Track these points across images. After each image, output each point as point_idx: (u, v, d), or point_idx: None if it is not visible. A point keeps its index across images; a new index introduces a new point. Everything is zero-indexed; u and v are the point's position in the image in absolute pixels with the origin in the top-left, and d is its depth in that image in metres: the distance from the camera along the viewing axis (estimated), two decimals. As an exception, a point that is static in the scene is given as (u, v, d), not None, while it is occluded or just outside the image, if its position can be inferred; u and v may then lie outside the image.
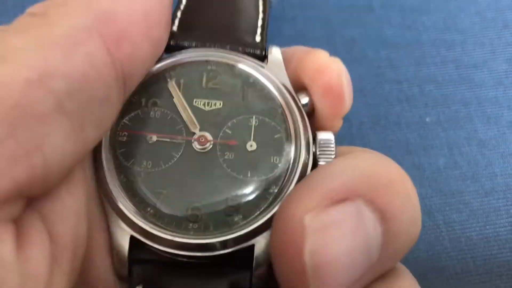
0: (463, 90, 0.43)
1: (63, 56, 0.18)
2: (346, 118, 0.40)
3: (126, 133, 0.23)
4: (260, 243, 0.22)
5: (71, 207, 0.20)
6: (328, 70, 0.25)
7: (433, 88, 0.43)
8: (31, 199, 0.19)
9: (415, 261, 0.36)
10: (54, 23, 0.19)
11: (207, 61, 0.25)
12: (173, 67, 0.25)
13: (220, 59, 0.25)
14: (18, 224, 0.18)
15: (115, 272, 0.23)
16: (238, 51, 0.26)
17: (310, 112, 0.25)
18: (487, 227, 0.38)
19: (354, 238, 0.19)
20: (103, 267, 0.23)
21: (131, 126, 0.24)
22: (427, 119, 0.41)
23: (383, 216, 0.20)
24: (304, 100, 0.25)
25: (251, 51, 0.26)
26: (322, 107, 0.25)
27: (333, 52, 0.43)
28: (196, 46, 0.26)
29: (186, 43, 0.26)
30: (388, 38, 0.45)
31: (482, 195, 0.39)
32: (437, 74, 0.44)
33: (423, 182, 0.39)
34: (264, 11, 0.29)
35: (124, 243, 0.22)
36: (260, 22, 0.28)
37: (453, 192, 0.39)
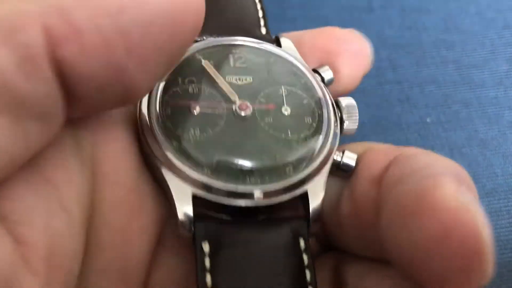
0: (464, 90, 0.43)
1: None
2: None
3: (170, 107, 0.24)
4: (313, 190, 0.24)
5: (37, 208, 0.19)
6: (352, 35, 0.28)
7: (433, 88, 0.43)
8: None
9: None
10: None
11: (231, 45, 0.27)
12: (201, 51, 0.26)
13: (242, 43, 0.27)
14: None
15: (178, 234, 0.23)
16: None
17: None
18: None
19: None
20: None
21: (173, 101, 0.25)
22: (428, 120, 0.41)
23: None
24: (327, 74, 0.28)
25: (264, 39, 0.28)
26: (348, 71, 0.28)
27: (333, 53, 0.43)
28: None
29: (197, 37, 0.27)
30: (388, 38, 0.45)
31: (483, 196, 0.39)
32: (438, 75, 0.43)
33: (424, 182, 0.39)
34: (260, 1, 0.31)
35: (187, 201, 0.23)
36: (260, 14, 0.30)
37: (454, 193, 0.39)
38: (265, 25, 0.30)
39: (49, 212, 0.20)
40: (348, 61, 0.28)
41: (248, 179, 0.23)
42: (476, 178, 0.39)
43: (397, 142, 0.40)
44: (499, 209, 0.38)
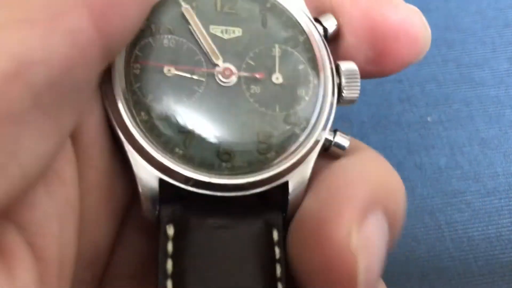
0: (465, 89, 0.43)
1: (44, 36, 0.15)
2: (347, 118, 0.40)
3: (139, 65, 0.21)
4: (293, 179, 0.21)
5: (52, 213, 0.18)
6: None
7: (434, 87, 0.43)
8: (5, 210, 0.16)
9: (417, 262, 0.36)
10: None
11: None
12: None
13: None
14: None
15: (143, 215, 0.21)
16: None
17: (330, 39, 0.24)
18: (489, 227, 0.37)
19: (383, 244, 0.20)
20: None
21: (144, 57, 0.21)
22: (428, 119, 0.41)
23: (392, 222, 0.20)
24: (330, 22, 0.23)
25: None
26: (360, 25, 0.23)
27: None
28: None
29: None
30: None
31: (484, 195, 0.39)
32: (438, 73, 0.43)
33: (425, 182, 0.39)
34: None
35: (153, 186, 0.20)
36: None
37: (455, 192, 0.39)
38: None
39: (61, 217, 0.18)
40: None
41: (223, 165, 0.21)
42: (477, 177, 0.39)
43: (398, 141, 0.40)
44: (501, 208, 0.38)
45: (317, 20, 0.24)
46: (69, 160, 0.19)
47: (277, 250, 0.20)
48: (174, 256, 0.19)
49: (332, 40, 0.24)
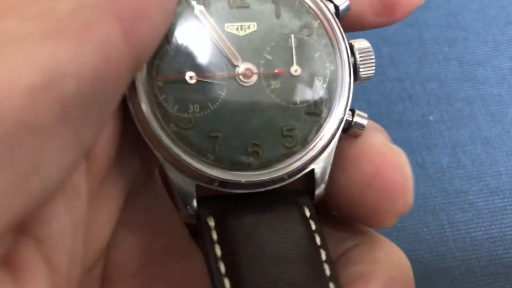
0: (467, 88, 0.43)
1: (74, 48, 0.15)
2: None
3: (161, 76, 0.21)
4: (318, 165, 0.23)
5: (68, 227, 0.18)
6: None
7: (436, 86, 0.42)
8: (24, 224, 0.16)
9: (419, 262, 0.35)
10: None
11: None
12: None
13: None
14: (12, 258, 0.16)
15: (181, 216, 0.22)
16: None
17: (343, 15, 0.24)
18: (493, 227, 0.37)
19: None
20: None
21: (164, 67, 0.21)
22: (430, 118, 0.41)
23: None
24: (340, 0, 0.24)
25: None
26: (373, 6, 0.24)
27: (334, 50, 0.43)
28: None
29: None
30: (390, 35, 0.44)
31: (487, 195, 0.38)
32: (440, 72, 0.43)
33: (427, 181, 0.39)
34: None
35: (190, 193, 0.21)
36: None
37: (458, 192, 0.38)
38: None
39: (75, 231, 0.18)
40: None
41: (253, 164, 0.22)
42: (480, 177, 0.39)
43: (399, 140, 0.40)
44: (504, 207, 0.38)
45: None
46: (84, 173, 0.19)
47: (311, 223, 0.22)
48: (220, 242, 0.21)
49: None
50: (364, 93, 0.41)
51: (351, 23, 0.24)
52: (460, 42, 0.45)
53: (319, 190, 0.23)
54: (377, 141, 0.24)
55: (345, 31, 0.25)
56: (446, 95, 0.42)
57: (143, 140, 0.21)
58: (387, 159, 0.23)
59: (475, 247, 0.36)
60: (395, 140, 0.39)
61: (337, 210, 0.25)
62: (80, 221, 0.19)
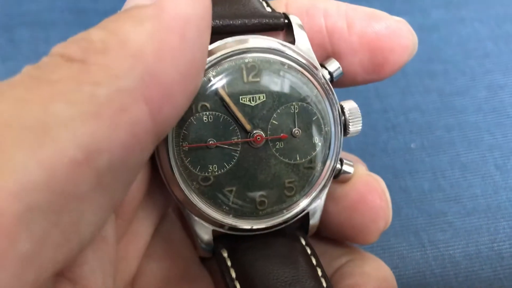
0: (446, 116, 0.46)
1: (109, 128, 0.17)
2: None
3: (187, 142, 0.25)
4: (312, 209, 0.28)
5: (97, 268, 0.21)
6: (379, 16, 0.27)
7: (417, 115, 0.46)
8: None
9: (401, 279, 0.39)
10: (97, 79, 0.17)
11: (242, 52, 0.26)
12: (213, 66, 0.25)
13: (255, 55, 0.26)
14: None
15: (199, 254, 0.28)
16: (261, 25, 0.27)
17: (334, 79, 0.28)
18: (469, 245, 0.40)
19: None
20: None
21: (189, 135, 0.25)
22: (412, 145, 0.44)
23: None
24: (333, 66, 0.28)
25: (271, 21, 0.27)
26: (363, 59, 0.27)
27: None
28: (219, 25, 0.26)
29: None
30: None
31: (464, 215, 0.42)
32: (421, 103, 0.47)
33: (410, 204, 0.42)
34: None
35: (208, 236, 0.27)
36: None
37: (438, 213, 0.42)
38: (268, 5, 0.28)
39: (104, 272, 0.21)
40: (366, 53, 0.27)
41: (260, 212, 0.27)
42: (458, 199, 0.42)
43: (384, 167, 0.43)
44: (480, 227, 0.41)
45: (322, 65, 0.28)
46: (112, 222, 0.23)
47: (307, 248, 0.28)
48: (233, 266, 0.26)
49: (335, 59, 0.28)
50: (351, 124, 0.45)
51: (344, 81, 0.29)
52: (440, 74, 0.49)
53: (313, 226, 0.28)
54: (359, 171, 0.29)
55: (339, 87, 0.29)
56: (427, 124, 0.46)
57: (168, 193, 0.26)
58: (369, 187, 0.28)
59: (453, 264, 0.39)
60: (380, 167, 0.43)
61: (328, 232, 0.30)
62: (108, 261, 0.22)
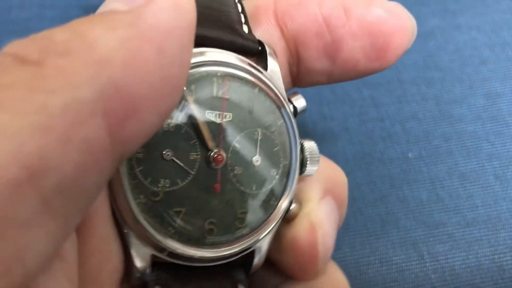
0: (444, 125, 0.45)
1: (60, 143, 0.15)
2: (333, 156, 0.42)
3: (142, 149, 0.22)
4: (258, 247, 0.26)
5: None
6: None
7: (414, 124, 0.45)
8: None
9: (400, 293, 0.38)
10: (51, 87, 0.15)
11: (217, 69, 0.24)
12: None
13: (229, 70, 0.25)
14: None
15: (131, 282, 0.24)
16: (235, 45, 0.25)
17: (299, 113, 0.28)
18: (470, 257, 0.39)
19: (335, 220, 0.28)
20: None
21: (147, 142, 0.21)
22: (409, 155, 0.44)
23: (340, 204, 0.28)
24: (300, 102, 0.27)
25: (246, 43, 0.26)
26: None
27: (317, 93, 0.46)
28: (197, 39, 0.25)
29: None
30: (370, 77, 0.47)
31: (464, 226, 0.41)
32: (418, 111, 0.46)
33: (408, 215, 0.41)
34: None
35: (145, 263, 0.23)
36: (239, 8, 0.27)
37: (437, 224, 0.41)
38: (246, 22, 0.27)
39: None
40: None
41: (207, 240, 0.24)
42: (457, 209, 0.41)
43: (381, 176, 0.42)
44: (480, 238, 0.40)
45: (289, 100, 0.27)
46: (71, 240, 0.20)
47: None
48: None
49: (336, 46, 0.27)
50: (347, 133, 0.44)
51: (344, 71, 0.27)
52: (437, 82, 0.48)
53: (256, 266, 0.26)
54: (304, 212, 0.27)
55: (342, 80, 0.28)
56: (424, 133, 0.45)
57: (112, 206, 0.23)
58: (306, 233, 0.26)
59: (454, 277, 0.38)
60: (377, 177, 0.42)
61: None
62: (68, 281, 0.20)
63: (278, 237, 0.27)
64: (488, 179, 0.43)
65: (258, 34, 0.27)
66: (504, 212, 0.41)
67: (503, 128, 0.45)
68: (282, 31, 0.27)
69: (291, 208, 0.27)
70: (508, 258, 0.39)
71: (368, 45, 0.26)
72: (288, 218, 0.27)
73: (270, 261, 0.28)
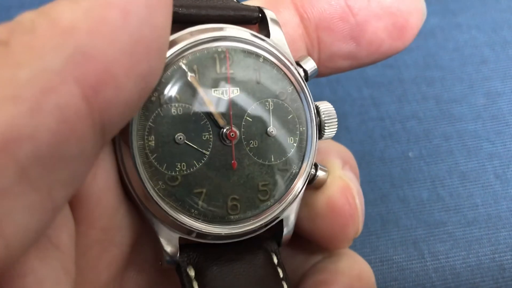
0: (444, 125, 0.45)
1: (30, 112, 0.15)
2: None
3: (153, 136, 0.23)
4: (286, 216, 0.26)
5: (46, 278, 0.19)
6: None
7: (415, 124, 0.45)
8: None
9: (401, 292, 0.38)
10: (18, 61, 0.15)
11: (217, 44, 0.24)
12: (184, 54, 0.23)
13: (229, 44, 0.24)
14: None
15: (163, 266, 0.24)
16: (235, 17, 0.25)
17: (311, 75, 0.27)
18: (470, 256, 0.39)
19: (358, 189, 0.28)
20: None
21: (156, 128, 0.23)
22: (410, 154, 0.44)
23: (356, 175, 0.29)
24: (309, 65, 0.26)
25: (246, 13, 0.26)
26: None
27: (319, 92, 0.46)
28: (194, 14, 0.24)
29: (184, 10, 0.24)
30: (370, 77, 0.47)
31: (464, 225, 0.41)
32: (419, 110, 0.46)
33: (408, 214, 0.41)
34: None
35: (174, 247, 0.24)
36: None
37: (437, 223, 0.41)
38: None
39: (56, 282, 0.19)
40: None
41: (232, 217, 0.24)
42: (458, 209, 0.41)
43: (382, 176, 0.42)
44: (480, 237, 0.40)
45: (298, 63, 0.26)
46: (66, 226, 0.20)
47: (279, 270, 0.25)
48: (198, 281, 0.24)
49: (360, 28, 0.27)
50: (347, 132, 0.44)
51: (369, 52, 0.28)
52: (438, 81, 0.48)
53: (286, 236, 0.26)
54: (332, 174, 0.28)
55: (361, 64, 0.29)
56: (424, 132, 0.45)
57: (132, 195, 0.23)
58: (339, 193, 0.27)
59: (454, 275, 0.38)
60: (377, 176, 0.42)
61: (302, 236, 0.29)
62: (63, 271, 0.20)
63: (308, 205, 0.27)
64: (488, 178, 0.43)
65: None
66: (505, 211, 0.41)
67: (504, 127, 0.45)
68: (302, 18, 0.27)
69: (318, 174, 0.27)
70: (509, 257, 0.39)
71: (391, 25, 0.27)
72: (316, 185, 0.27)
73: (297, 236, 0.28)
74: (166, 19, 0.19)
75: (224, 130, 0.24)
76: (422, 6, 0.28)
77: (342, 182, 0.27)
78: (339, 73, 0.30)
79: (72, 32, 0.16)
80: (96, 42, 0.16)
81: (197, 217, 0.24)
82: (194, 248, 0.25)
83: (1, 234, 0.15)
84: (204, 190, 0.24)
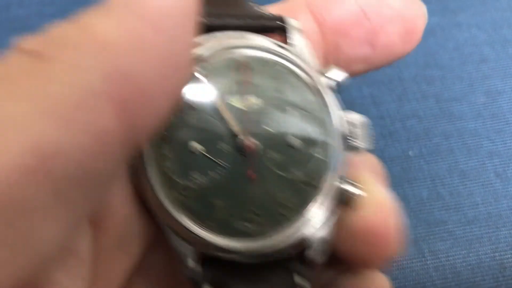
0: (444, 123, 0.45)
1: (65, 130, 0.15)
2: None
3: (167, 145, 0.22)
4: (312, 234, 0.23)
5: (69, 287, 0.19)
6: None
7: (415, 122, 0.45)
8: None
9: (401, 290, 0.38)
10: (58, 76, 0.15)
11: (236, 52, 0.24)
12: (201, 60, 0.23)
13: (249, 52, 0.24)
14: None
15: (183, 276, 0.23)
16: (258, 26, 0.25)
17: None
18: (470, 254, 0.39)
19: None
20: None
21: (170, 136, 0.22)
22: (410, 153, 0.44)
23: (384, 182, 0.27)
24: (338, 75, 0.25)
25: (269, 22, 0.25)
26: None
27: (319, 91, 0.46)
28: (215, 24, 0.24)
29: (207, 20, 0.24)
30: (371, 75, 0.47)
31: (464, 224, 0.41)
32: (419, 109, 0.46)
33: (408, 213, 0.41)
34: None
35: (192, 261, 0.22)
36: None
37: (437, 222, 0.41)
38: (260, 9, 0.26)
39: None
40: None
41: (251, 232, 0.23)
42: (458, 207, 0.41)
43: (382, 175, 0.42)
44: (481, 236, 0.40)
45: (323, 73, 0.25)
46: (86, 234, 0.20)
47: None
48: None
49: (376, 32, 0.27)
50: (348, 131, 0.44)
51: (383, 55, 0.28)
52: (438, 80, 0.48)
53: (312, 256, 0.24)
54: (372, 194, 0.25)
55: (375, 67, 0.29)
56: (424, 131, 0.45)
57: (146, 204, 0.22)
58: (380, 217, 0.25)
59: (454, 274, 0.39)
60: (377, 175, 0.42)
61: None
62: (81, 279, 0.20)
63: (338, 223, 0.25)
64: (488, 176, 0.43)
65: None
66: (505, 210, 0.41)
67: (504, 125, 0.45)
68: (319, 24, 0.27)
69: (349, 190, 0.24)
70: (509, 255, 0.39)
71: (403, 29, 0.28)
72: (347, 202, 0.25)
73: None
74: (192, 34, 0.18)
75: (242, 140, 0.23)
76: (425, 11, 0.29)
77: (378, 200, 0.25)
78: (352, 77, 0.30)
79: (111, 49, 0.16)
80: (132, 60, 0.16)
81: (213, 231, 0.22)
82: (215, 263, 0.23)
83: (31, 250, 0.15)
84: (221, 202, 0.23)
